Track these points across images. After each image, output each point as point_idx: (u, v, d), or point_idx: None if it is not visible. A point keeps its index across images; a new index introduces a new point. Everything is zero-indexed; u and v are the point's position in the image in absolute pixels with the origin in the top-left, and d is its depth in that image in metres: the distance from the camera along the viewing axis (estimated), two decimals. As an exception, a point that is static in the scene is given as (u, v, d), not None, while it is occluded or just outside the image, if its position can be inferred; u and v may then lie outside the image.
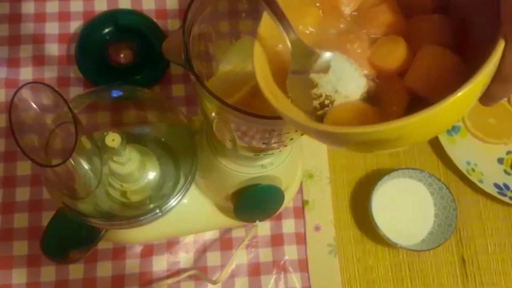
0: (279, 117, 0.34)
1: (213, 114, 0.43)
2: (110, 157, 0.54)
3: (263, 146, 0.45)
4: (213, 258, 0.68)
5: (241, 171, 0.55)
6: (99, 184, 0.50)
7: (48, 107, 0.46)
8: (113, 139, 0.51)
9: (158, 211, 0.54)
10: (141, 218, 0.53)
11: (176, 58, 0.37)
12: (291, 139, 0.43)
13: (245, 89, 0.42)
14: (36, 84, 0.43)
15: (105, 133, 0.50)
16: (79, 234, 0.55)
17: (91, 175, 0.49)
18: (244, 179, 0.56)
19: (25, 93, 0.44)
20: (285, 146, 0.45)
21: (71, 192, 0.49)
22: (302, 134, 0.42)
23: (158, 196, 0.60)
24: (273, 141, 0.43)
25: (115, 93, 0.56)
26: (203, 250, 0.68)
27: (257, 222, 0.63)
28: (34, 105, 0.45)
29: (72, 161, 0.43)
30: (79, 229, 0.55)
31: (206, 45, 0.42)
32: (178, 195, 0.55)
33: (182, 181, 0.57)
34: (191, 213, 0.63)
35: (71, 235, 0.54)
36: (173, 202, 0.55)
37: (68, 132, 0.46)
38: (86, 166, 0.47)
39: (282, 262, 0.68)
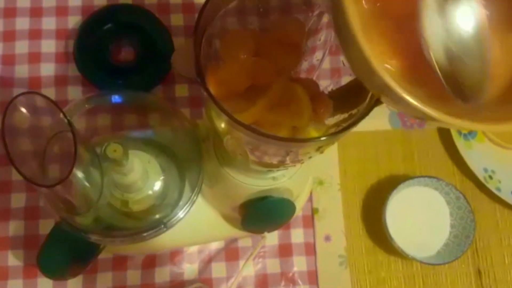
0: (298, 139, 0.30)
1: (224, 128, 0.39)
2: (111, 167, 0.51)
3: (278, 163, 0.42)
4: (218, 269, 0.65)
5: (251, 183, 0.52)
6: (100, 198, 0.47)
7: (44, 115, 0.43)
8: (114, 149, 0.47)
9: (162, 226, 0.50)
10: (144, 234, 0.50)
11: (186, 72, 0.34)
12: (310, 157, 0.40)
13: (261, 102, 0.39)
14: (31, 94, 0.40)
15: (106, 144, 0.47)
16: (79, 249, 0.52)
17: (91, 189, 0.46)
18: (254, 191, 0.52)
19: (20, 103, 0.40)
20: (302, 163, 0.42)
21: (70, 208, 0.46)
22: (322, 152, 0.38)
23: (162, 206, 0.56)
24: (288, 159, 0.40)
25: (117, 99, 0.53)
26: (208, 261, 0.65)
27: (265, 234, 0.60)
28: (29, 115, 0.42)
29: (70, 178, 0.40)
30: (79, 243, 0.52)
31: (216, 57, 0.38)
32: (183, 210, 0.52)
33: (187, 193, 0.54)
34: (196, 224, 0.59)
35: (70, 250, 0.51)
36: (178, 215, 0.52)
37: (66, 140, 0.43)
38: (85, 181, 0.44)
39: (290, 274, 0.65)
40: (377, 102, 0.33)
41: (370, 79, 0.27)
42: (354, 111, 0.38)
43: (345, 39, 0.28)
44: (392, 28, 0.29)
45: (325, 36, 0.43)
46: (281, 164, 0.42)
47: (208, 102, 0.35)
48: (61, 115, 0.41)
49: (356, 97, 0.39)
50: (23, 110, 0.40)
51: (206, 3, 0.33)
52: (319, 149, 0.37)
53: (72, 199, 0.44)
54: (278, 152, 0.39)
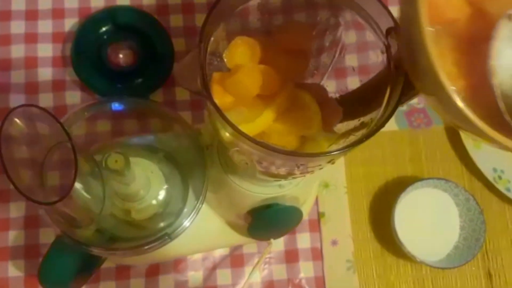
0: (309, 154, 0.28)
1: (229, 139, 0.38)
2: (112, 176, 0.49)
3: (286, 174, 0.40)
4: (223, 276, 0.63)
5: (256, 191, 0.50)
6: (102, 209, 0.46)
7: (43, 123, 0.42)
8: (116, 160, 0.46)
9: (167, 237, 0.49)
10: (147, 247, 0.48)
11: (190, 85, 0.32)
12: (321, 168, 0.38)
13: (268, 112, 0.37)
14: (30, 107, 0.38)
15: (107, 155, 0.45)
16: (82, 261, 0.50)
17: (92, 202, 0.44)
18: (259, 199, 0.51)
19: (17, 115, 0.39)
20: (312, 174, 0.40)
21: (71, 222, 0.45)
22: (333, 163, 0.37)
23: (165, 214, 0.55)
24: (297, 171, 0.38)
25: (117, 106, 0.51)
26: (212, 268, 0.63)
27: (272, 241, 0.58)
28: (26, 127, 0.40)
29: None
30: (81, 256, 0.50)
31: (220, 67, 0.37)
32: (188, 218, 0.50)
33: (191, 201, 0.52)
34: (201, 232, 0.58)
35: (72, 264, 0.49)
36: (184, 225, 0.50)
37: (65, 149, 0.41)
38: (86, 194, 0.42)
39: (297, 280, 0.63)
40: (394, 111, 0.32)
41: (437, 94, 0.27)
42: (366, 120, 0.36)
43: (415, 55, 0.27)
44: (460, 50, 0.28)
45: (333, 39, 0.41)
46: (290, 175, 0.40)
47: (213, 113, 0.33)
48: (58, 125, 0.39)
49: (368, 103, 0.38)
50: (20, 122, 0.39)
51: (210, 11, 0.32)
52: (331, 161, 0.35)
53: (73, 213, 0.43)
54: (286, 163, 0.37)
